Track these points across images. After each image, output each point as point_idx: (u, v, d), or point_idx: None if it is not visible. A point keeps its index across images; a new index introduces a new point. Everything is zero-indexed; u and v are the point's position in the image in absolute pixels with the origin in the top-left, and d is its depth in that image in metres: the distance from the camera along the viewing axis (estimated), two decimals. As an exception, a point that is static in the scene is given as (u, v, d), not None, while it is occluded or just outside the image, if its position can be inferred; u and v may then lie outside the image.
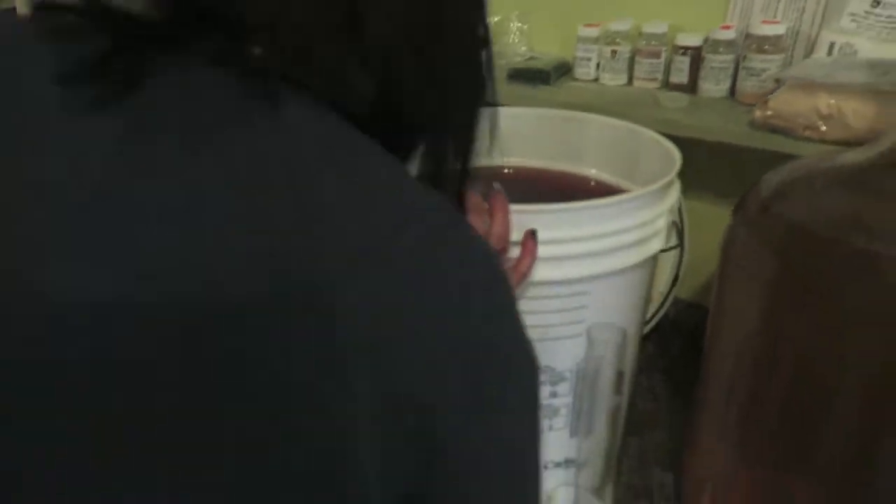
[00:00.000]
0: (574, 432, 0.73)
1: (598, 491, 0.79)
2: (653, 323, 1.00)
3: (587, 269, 0.63)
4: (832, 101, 0.71)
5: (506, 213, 0.59)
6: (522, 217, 0.60)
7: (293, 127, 0.29)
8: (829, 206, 0.56)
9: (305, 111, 0.30)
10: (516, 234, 0.60)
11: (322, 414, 0.26)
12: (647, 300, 0.75)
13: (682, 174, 0.68)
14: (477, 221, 0.58)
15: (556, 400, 0.70)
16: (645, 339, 1.03)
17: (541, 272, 0.61)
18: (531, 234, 0.59)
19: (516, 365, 0.33)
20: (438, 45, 0.36)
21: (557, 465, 0.75)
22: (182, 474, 0.26)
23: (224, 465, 0.26)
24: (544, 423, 0.72)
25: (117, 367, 0.25)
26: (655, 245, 0.67)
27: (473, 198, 0.59)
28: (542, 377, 0.70)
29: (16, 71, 0.30)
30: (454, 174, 0.39)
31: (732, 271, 0.64)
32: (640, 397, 0.95)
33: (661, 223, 0.66)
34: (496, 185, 0.60)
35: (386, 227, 0.28)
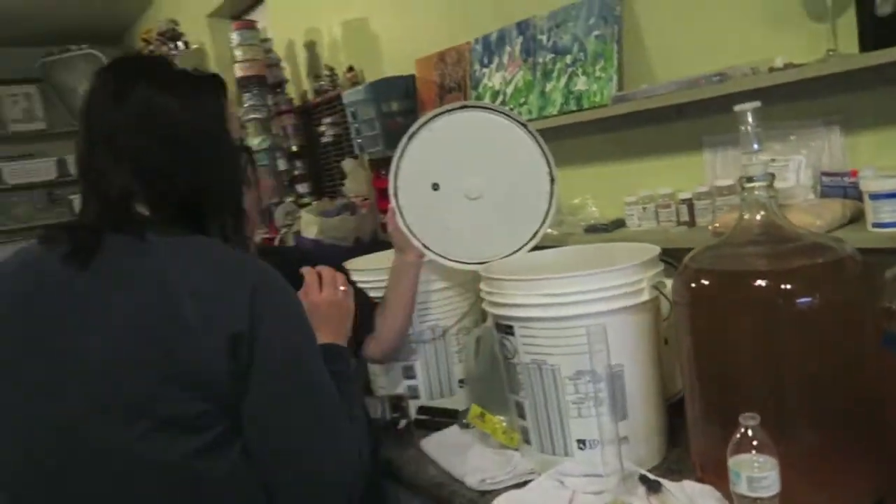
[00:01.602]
0: (614, 416, 1.16)
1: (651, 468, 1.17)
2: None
3: (605, 306, 1.12)
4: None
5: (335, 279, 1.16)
6: (564, 280, 1.13)
7: (157, 243, 0.81)
8: (707, 257, 1.04)
9: (162, 235, 0.82)
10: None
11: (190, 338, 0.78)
12: (654, 338, 1.20)
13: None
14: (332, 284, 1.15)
15: (601, 394, 1.15)
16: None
17: (579, 309, 1.12)
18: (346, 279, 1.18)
19: (289, 310, 0.85)
20: (217, 210, 0.89)
21: (611, 442, 1.17)
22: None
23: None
24: (596, 409, 1.16)
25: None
26: (644, 296, 1.15)
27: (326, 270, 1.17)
28: (589, 378, 1.15)
29: (43, 263, 0.84)
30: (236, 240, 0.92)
31: (676, 307, 1.09)
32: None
33: (644, 284, 1.15)
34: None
35: (217, 270, 0.82)
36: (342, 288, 1.14)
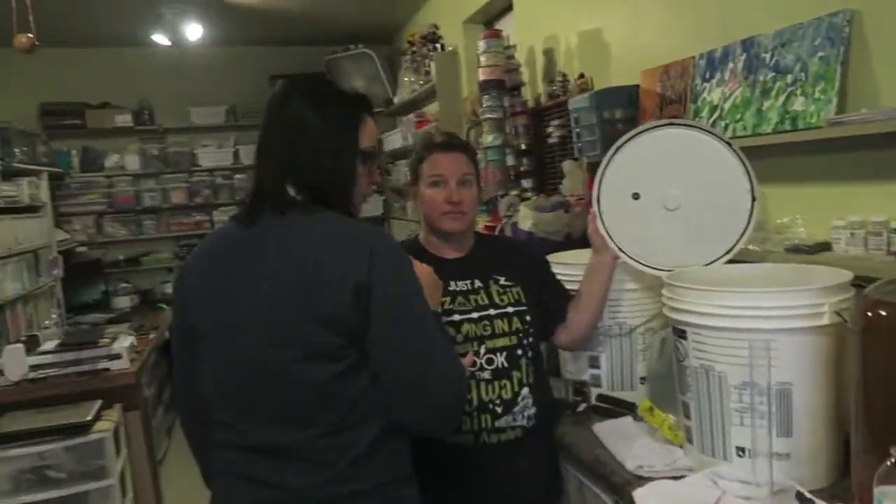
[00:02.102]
0: (776, 431, 1.18)
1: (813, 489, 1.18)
2: None
3: (773, 325, 1.16)
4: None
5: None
6: (736, 294, 1.19)
7: (300, 219, 1.07)
8: (891, 289, 1.03)
9: (304, 213, 1.08)
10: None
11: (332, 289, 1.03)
12: (831, 363, 1.19)
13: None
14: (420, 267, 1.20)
15: (761, 406, 1.19)
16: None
17: (746, 323, 1.17)
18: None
19: (400, 266, 1.07)
20: (338, 191, 1.12)
21: (764, 454, 1.20)
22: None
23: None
24: (754, 422, 1.19)
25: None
26: (823, 320, 1.15)
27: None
28: (752, 391, 1.19)
29: (228, 233, 1.15)
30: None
31: (851, 335, 1.08)
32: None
33: (826, 308, 1.15)
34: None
35: (344, 238, 1.07)
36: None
